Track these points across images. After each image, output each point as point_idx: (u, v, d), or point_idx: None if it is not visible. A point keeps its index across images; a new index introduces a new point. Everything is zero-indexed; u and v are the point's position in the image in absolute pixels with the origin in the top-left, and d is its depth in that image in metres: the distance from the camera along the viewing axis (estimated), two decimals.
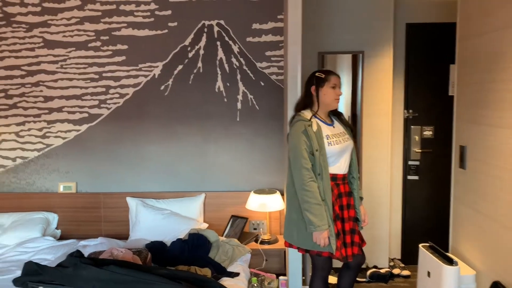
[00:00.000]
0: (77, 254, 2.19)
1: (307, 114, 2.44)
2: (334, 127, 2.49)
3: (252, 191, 3.44)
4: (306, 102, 2.50)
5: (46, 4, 3.54)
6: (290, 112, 2.77)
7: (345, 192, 2.47)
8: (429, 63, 3.68)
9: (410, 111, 3.71)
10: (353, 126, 3.26)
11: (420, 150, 3.72)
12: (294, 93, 2.81)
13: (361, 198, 2.59)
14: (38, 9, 3.55)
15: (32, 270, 1.96)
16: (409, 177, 3.76)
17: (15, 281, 1.99)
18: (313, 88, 2.45)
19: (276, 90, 3.58)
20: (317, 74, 2.47)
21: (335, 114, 2.59)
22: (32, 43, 3.58)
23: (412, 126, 3.72)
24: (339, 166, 2.44)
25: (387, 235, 3.70)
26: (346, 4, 3.53)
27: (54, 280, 1.72)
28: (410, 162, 3.75)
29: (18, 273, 2.70)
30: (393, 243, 3.81)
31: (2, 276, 2.70)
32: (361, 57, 3.57)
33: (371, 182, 3.64)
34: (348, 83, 3.63)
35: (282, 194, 3.45)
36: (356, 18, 3.54)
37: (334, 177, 2.42)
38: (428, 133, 3.71)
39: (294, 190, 2.38)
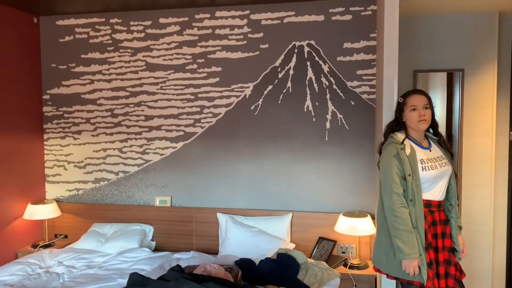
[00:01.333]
0: (178, 269, 2.30)
1: (400, 136, 2.36)
2: (430, 150, 2.36)
3: (341, 213, 3.37)
4: (397, 124, 2.43)
5: (149, 30, 3.83)
6: (380, 133, 2.68)
7: (440, 220, 2.32)
8: None
9: None
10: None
11: None
12: (389, 113, 2.72)
13: (460, 228, 2.42)
14: (142, 35, 3.85)
15: (137, 281, 2.09)
16: None
17: None
18: (397, 113, 2.41)
19: (367, 110, 3.50)
20: (399, 98, 2.41)
21: (436, 135, 2.46)
22: (136, 66, 3.89)
23: None
24: (434, 192, 2.31)
25: (489, 268, 3.39)
26: (444, 20, 3.37)
27: None
28: None
29: (120, 281, 2.91)
30: (496, 277, 3.48)
31: (106, 283, 2.91)
32: (460, 75, 3.37)
33: (471, 210, 3.38)
34: (443, 102, 3.43)
35: (373, 218, 3.33)
36: (456, 35, 3.35)
37: (428, 204, 2.29)
38: None
39: (385, 215, 2.30)
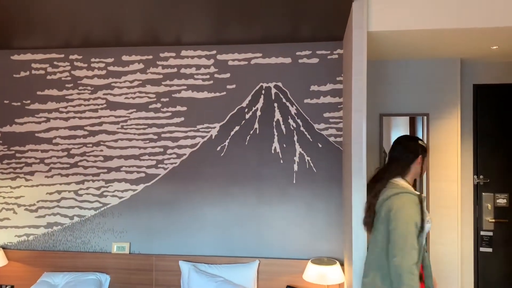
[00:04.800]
0: None
1: (404, 183, 2.32)
2: None
3: (310, 261, 3.24)
4: (403, 170, 2.39)
5: (111, 68, 3.69)
6: (349, 176, 2.62)
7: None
8: (500, 125, 3.44)
9: (481, 176, 3.44)
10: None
11: (493, 220, 3.40)
12: (359, 158, 2.67)
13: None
14: (104, 72, 3.70)
15: None
16: (482, 249, 3.42)
17: None
18: (420, 158, 2.38)
19: (334, 152, 3.46)
20: (420, 142, 2.40)
21: None
22: (96, 104, 3.71)
23: (483, 193, 3.43)
24: None
25: None
26: (410, 65, 3.42)
27: None
28: (482, 233, 3.43)
29: None
30: None
31: None
32: (424, 119, 3.40)
33: (438, 254, 3.34)
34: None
35: (342, 265, 3.23)
36: (421, 80, 3.41)
37: None
38: (502, 201, 3.41)
39: (384, 256, 2.24)
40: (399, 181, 2.34)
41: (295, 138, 3.52)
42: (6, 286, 3.64)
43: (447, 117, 3.38)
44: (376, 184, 2.42)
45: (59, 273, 3.51)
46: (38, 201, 3.74)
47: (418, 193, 2.27)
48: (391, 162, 2.47)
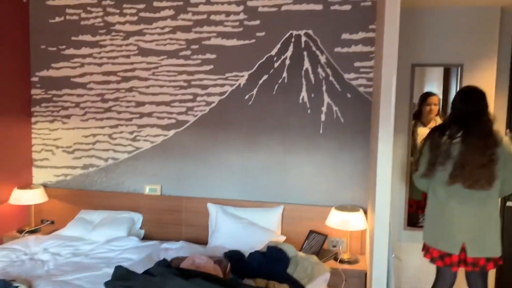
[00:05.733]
0: (164, 264, 2.24)
1: None
2: None
3: (333, 207, 3.32)
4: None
5: (142, 14, 3.72)
6: (378, 126, 2.63)
7: None
8: None
9: None
10: None
11: None
12: (387, 106, 2.65)
13: None
14: (135, 18, 3.74)
15: (122, 275, 2.04)
16: (508, 203, 3.41)
17: (107, 284, 2.08)
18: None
19: (363, 103, 3.44)
20: None
21: None
22: (128, 50, 3.78)
23: None
24: None
25: None
26: (446, 14, 3.29)
27: (142, 287, 1.77)
28: None
29: (106, 270, 2.85)
30: None
31: (92, 272, 2.86)
32: (458, 71, 3.31)
33: None
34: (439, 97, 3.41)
35: (365, 212, 3.30)
36: (456, 29, 3.28)
37: None
38: None
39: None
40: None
41: (324, 88, 3.51)
42: (47, 221, 3.92)
43: (482, 68, 3.28)
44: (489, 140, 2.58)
45: (95, 211, 3.74)
46: (74, 143, 3.93)
47: None
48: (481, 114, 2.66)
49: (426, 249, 2.82)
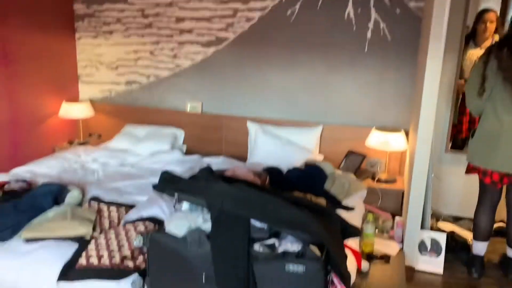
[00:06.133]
0: (208, 170, 2.34)
1: None
2: None
3: (373, 127, 3.29)
4: None
5: None
6: (428, 44, 2.49)
7: None
8: None
9: None
10: None
11: None
12: (439, 22, 2.49)
13: None
14: None
15: (168, 178, 2.15)
16: None
17: (155, 186, 2.20)
18: None
19: (412, 20, 3.24)
20: None
21: None
22: None
23: None
24: None
25: None
26: None
27: (188, 189, 1.86)
28: None
29: (151, 179, 3.00)
30: None
31: (138, 180, 3.03)
32: None
33: None
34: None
35: (406, 134, 3.25)
36: None
37: None
38: None
39: None
40: None
41: (371, 3, 3.31)
42: (95, 134, 4.11)
43: None
44: None
45: (140, 126, 3.87)
46: (117, 60, 3.99)
47: None
48: None
49: (473, 168, 2.71)
